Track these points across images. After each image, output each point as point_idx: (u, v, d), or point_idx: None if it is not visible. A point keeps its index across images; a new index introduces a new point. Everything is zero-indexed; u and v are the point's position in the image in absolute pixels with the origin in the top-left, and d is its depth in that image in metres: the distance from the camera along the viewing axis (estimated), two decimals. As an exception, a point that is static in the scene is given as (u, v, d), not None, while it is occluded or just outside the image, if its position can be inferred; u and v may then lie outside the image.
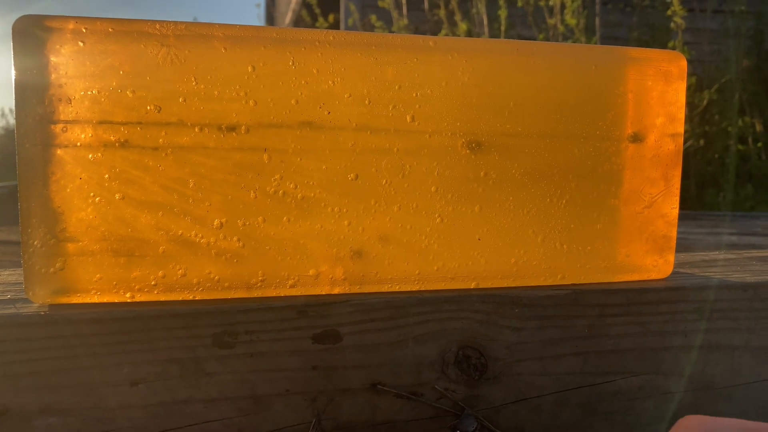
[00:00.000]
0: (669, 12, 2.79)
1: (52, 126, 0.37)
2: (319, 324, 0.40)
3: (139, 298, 0.39)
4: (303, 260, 0.41)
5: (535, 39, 3.02)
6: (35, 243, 0.37)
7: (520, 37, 3.22)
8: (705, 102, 3.00)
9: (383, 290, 0.42)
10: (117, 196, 0.38)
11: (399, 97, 0.41)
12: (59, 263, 0.38)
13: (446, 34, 3.15)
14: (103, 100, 0.37)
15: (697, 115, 3.02)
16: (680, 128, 0.47)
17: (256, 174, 0.39)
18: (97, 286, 0.38)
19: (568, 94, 0.44)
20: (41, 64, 0.36)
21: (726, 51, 3.27)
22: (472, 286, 0.44)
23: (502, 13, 2.97)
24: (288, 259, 0.40)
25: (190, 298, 0.40)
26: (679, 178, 0.47)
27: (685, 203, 2.79)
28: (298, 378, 0.40)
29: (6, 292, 0.41)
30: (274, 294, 0.41)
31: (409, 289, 0.43)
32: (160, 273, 0.39)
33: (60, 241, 0.37)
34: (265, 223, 0.40)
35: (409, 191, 0.42)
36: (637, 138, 0.46)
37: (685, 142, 2.85)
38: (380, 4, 3.33)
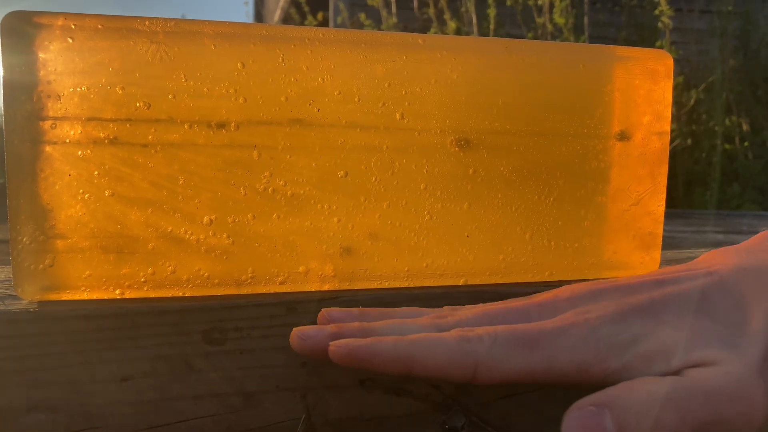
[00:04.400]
0: (657, 12, 2.81)
1: (41, 123, 0.37)
2: (309, 320, 0.41)
3: (129, 294, 0.39)
4: (292, 257, 0.41)
5: (524, 38, 3.03)
6: (24, 240, 0.37)
7: (509, 36, 3.23)
8: (692, 101, 3.03)
9: (372, 287, 0.43)
10: (106, 193, 0.38)
11: (388, 95, 0.41)
12: (48, 260, 0.38)
13: (435, 33, 3.15)
14: (92, 96, 0.37)
15: (684, 114, 3.04)
16: (667, 126, 0.47)
17: (245, 171, 0.39)
18: (87, 283, 0.38)
19: (556, 92, 0.45)
20: (30, 61, 0.36)
21: (713, 51, 3.29)
22: (461, 282, 0.44)
23: (491, 12, 2.98)
24: (277, 255, 0.41)
25: (180, 294, 0.40)
26: (666, 176, 0.47)
27: (672, 202, 2.81)
28: (287, 374, 0.41)
29: (-6, 289, 0.41)
30: (263, 291, 0.41)
31: (398, 286, 0.43)
32: (150, 270, 0.39)
33: (49, 237, 0.37)
34: (255, 220, 0.40)
35: (398, 188, 0.42)
36: (624, 136, 0.46)
37: (672, 141, 2.87)
38: (369, 2, 3.33)
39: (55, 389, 0.37)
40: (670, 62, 0.47)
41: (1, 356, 0.36)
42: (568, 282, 0.45)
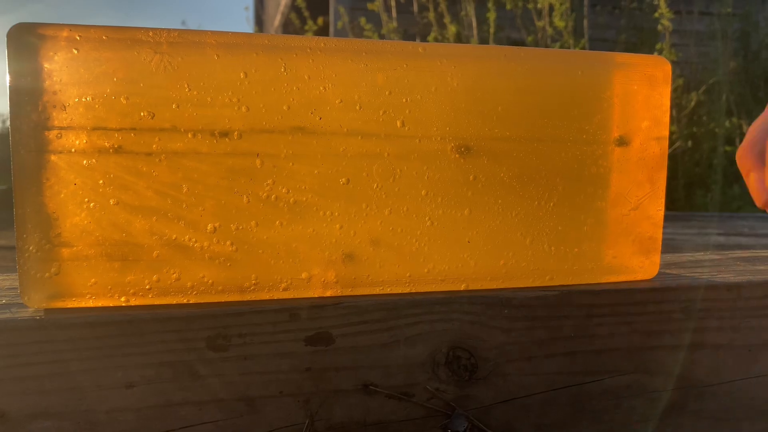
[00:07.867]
0: (656, 14, 2.82)
1: (47, 132, 0.37)
2: (312, 326, 0.41)
3: (134, 302, 0.39)
4: (295, 264, 0.41)
5: (524, 41, 3.04)
6: (30, 248, 0.37)
7: (509, 40, 3.23)
8: (693, 103, 3.03)
9: (375, 293, 0.43)
10: (111, 202, 0.38)
11: (389, 103, 0.42)
12: (54, 268, 0.38)
13: (435, 37, 3.16)
14: (97, 106, 0.37)
15: (684, 117, 3.05)
16: (665, 131, 0.48)
17: (248, 179, 0.40)
18: (92, 291, 0.39)
19: (556, 98, 0.45)
20: (36, 72, 0.37)
21: (713, 52, 3.30)
22: (462, 287, 0.44)
23: (491, 16, 2.98)
24: (281, 262, 0.41)
25: (184, 301, 0.40)
26: (665, 180, 0.48)
27: (673, 204, 2.81)
28: (290, 380, 0.41)
29: (1, 297, 0.42)
30: (267, 297, 0.41)
31: (400, 292, 0.43)
32: (155, 277, 0.39)
33: (55, 246, 0.38)
34: (258, 228, 0.40)
35: (399, 195, 0.42)
36: (623, 141, 0.46)
37: (673, 143, 2.88)
38: (369, 6, 3.34)
39: (61, 396, 0.38)
40: (668, 68, 0.47)
41: (8, 364, 0.37)
42: (568, 286, 0.46)
